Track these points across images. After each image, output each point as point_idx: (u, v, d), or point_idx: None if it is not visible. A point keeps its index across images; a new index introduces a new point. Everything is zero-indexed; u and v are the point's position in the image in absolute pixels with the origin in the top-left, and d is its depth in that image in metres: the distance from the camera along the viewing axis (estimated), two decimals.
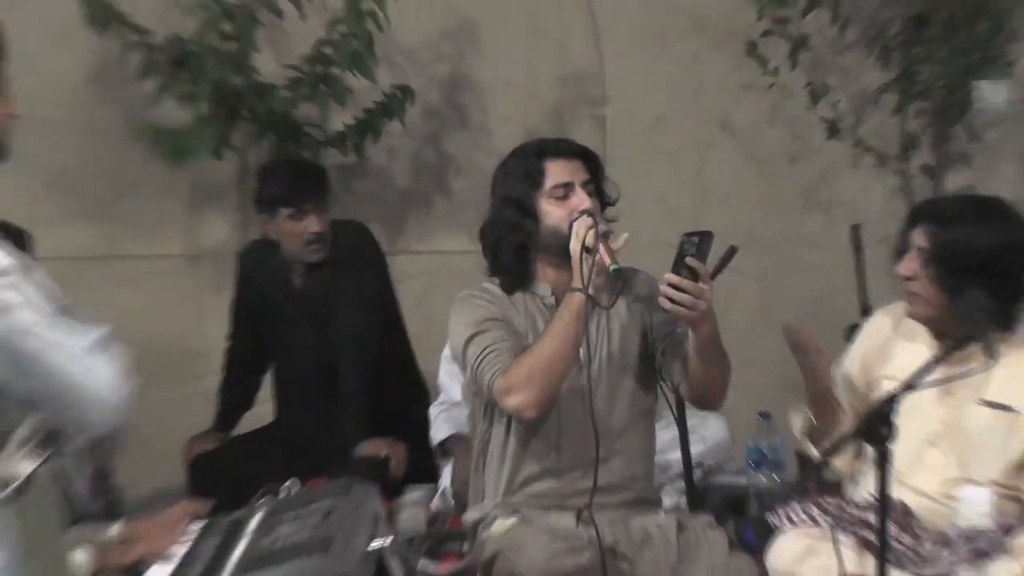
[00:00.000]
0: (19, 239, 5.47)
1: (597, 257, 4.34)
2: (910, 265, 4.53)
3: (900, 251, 4.71)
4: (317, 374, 6.24)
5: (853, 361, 4.83)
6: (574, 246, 4.42)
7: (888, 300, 5.15)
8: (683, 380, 4.64)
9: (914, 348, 4.56)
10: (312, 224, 6.01)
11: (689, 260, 4.18)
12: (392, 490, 5.91)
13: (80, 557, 4.24)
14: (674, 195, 7.07)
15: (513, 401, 4.44)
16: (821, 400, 4.73)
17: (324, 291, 6.18)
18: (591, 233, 4.38)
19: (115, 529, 4.36)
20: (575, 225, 4.42)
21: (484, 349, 4.51)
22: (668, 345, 4.67)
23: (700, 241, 4.26)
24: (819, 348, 4.69)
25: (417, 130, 7.22)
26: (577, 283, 4.39)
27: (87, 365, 3.12)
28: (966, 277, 4.42)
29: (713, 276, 4.62)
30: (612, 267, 4.30)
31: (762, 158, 7.29)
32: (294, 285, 6.27)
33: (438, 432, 5.89)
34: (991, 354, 4.15)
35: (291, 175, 6.20)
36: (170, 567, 4.17)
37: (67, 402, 3.14)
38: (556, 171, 4.52)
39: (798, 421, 4.81)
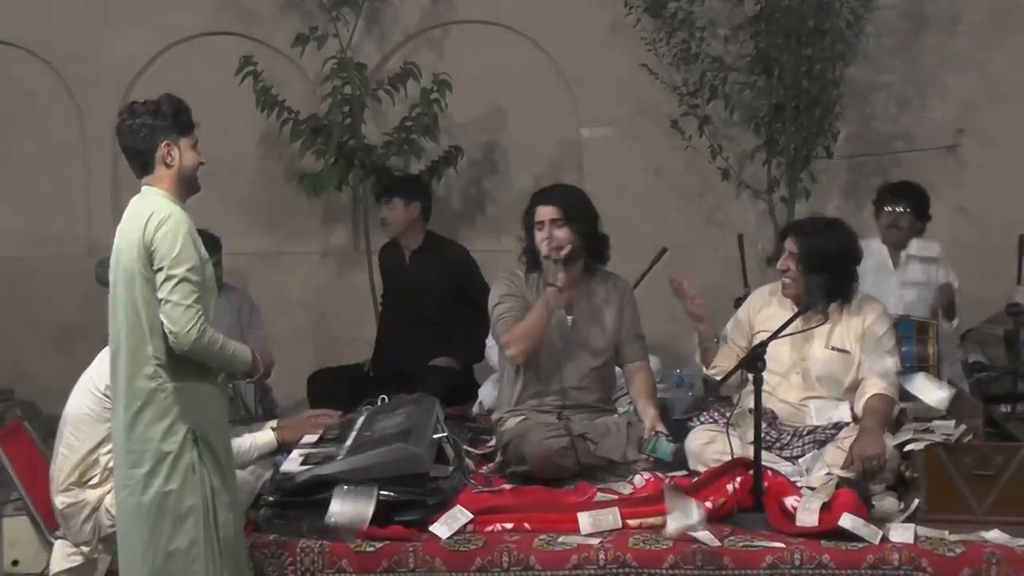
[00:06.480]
0: (214, 242, 6.38)
1: (551, 263, 5.42)
2: (786, 262, 5.45)
3: (778, 253, 5.58)
4: (409, 318, 7.12)
5: (743, 315, 5.64)
6: (543, 260, 5.51)
7: (759, 282, 6.21)
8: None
9: (783, 313, 5.41)
10: (384, 211, 7.14)
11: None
12: (456, 398, 6.56)
13: (268, 435, 5.10)
14: (630, 215, 7.78)
15: (510, 351, 5.51)
16: (705, 337, 5.58)
17: (417, 266, 7.13)
18: (553, 251, 5.43)
19: (271, 424, 5.23)
20: (541, 247, 5.52)
21: (500, 315, 5.56)
22: (627, 332, 5.71)
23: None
24: (690, 292, 5.55)
25: (465, 174, 8.32)
26: (549, 280, 5.45)
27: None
28: (819, 270, 5.34)
29: (651, 267, 6.17)
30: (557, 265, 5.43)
31: (680, 192, 8.26)
32: (404, 263, 7.24)
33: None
34: (825, 316, 5.22)
35: (382, 183, 7.41)
36: (306, 449, 5.10)
37: None
38: (538, 212, 5.56)
39: (696, 356, 5.73)
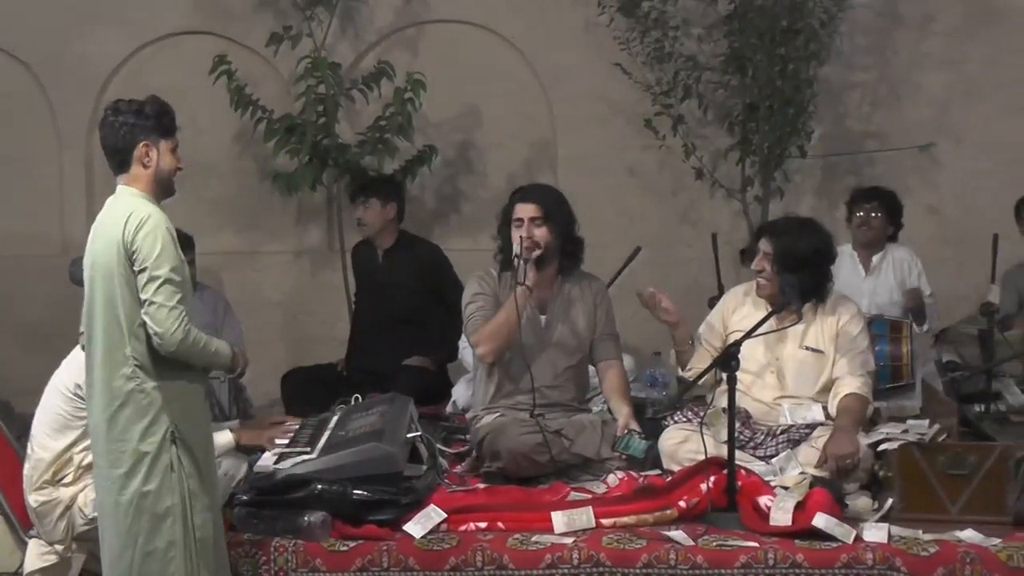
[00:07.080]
0: (188, 242, 6.39)
1: (521, 263, 5.42)
2: (760, 263, 5.46)
3: (753, 253, 5.62)
4: (382, 317, 7.14)
5: (717, 316, 5.66)
6: (514, 258, 5.52)
7: (732, 282, 6.27)
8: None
9: (757, 313, 5.43)
10: (360, 211, 7.19)
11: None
12: (430, 397, 6.57)
13: (226, 435, 5.11)
14: (604, 214, 7.83)
15: (479, 350, 5.55)
16: (680, 340, 5.60)
17: (390, 265, 7.15)
18: (524, 250, 5.45)
19: (238, 423, 5.37)
20: (514, 246, 5.54)
21: (471, 314, 5.60)
22: (601, 332, 5.72)
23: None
24: (663, 304, 5.55)
25: (439, 173, 8.34)
26: (519, 280, 5.46)
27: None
28: (793, 269, 5.36)
29: (625, 266, 6.23)
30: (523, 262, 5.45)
31: (655, 192, 8.32)
32: (377, 262, 7.21)
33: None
34: (799, 316, 5.24)
35: (357, 183, 7.42)
36: (280, 448, 5.11)
37: None
38: (517, 210, 5.57)
39: (672, 357, 5.75)
